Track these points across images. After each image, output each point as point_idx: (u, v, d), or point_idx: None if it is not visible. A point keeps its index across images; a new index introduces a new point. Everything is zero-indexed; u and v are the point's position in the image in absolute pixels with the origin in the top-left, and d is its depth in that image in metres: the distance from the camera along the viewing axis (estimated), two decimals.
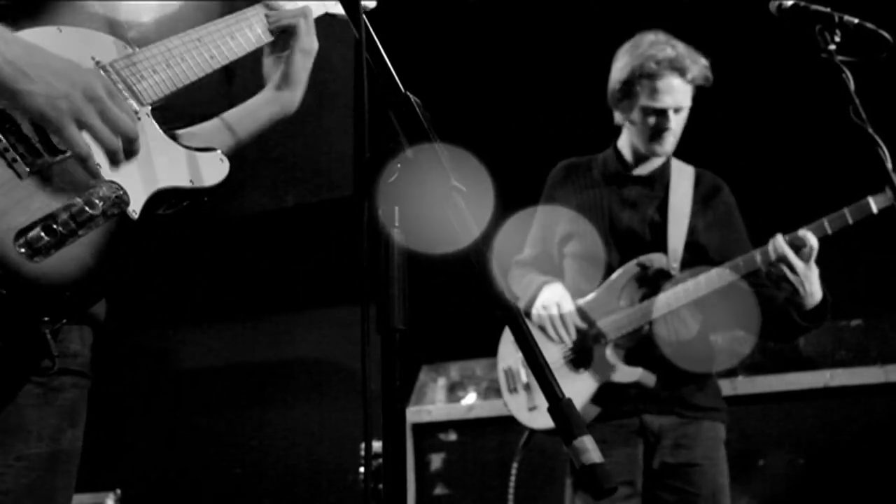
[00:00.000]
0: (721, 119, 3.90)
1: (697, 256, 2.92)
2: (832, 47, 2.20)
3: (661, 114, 2.88)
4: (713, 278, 2.80)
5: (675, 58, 2.84)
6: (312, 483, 4.91)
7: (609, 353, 2.88)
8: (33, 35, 1.47)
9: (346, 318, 4.87)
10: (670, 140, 2.92)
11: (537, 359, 1.19)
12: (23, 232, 1.38)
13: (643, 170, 3.02)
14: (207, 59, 1.71)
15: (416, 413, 4.24)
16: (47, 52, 1.41)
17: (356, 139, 5.09)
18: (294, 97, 1.83)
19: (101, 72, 1.55)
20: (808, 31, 2.24)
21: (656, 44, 2.89)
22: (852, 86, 2.18)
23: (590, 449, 1.13)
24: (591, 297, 2.94)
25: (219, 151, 1.69)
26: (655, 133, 2.90)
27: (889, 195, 2.59)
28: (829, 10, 2.23)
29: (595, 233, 2.97)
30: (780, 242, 2.70)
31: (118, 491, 3.97)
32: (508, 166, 3.54)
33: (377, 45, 1.35)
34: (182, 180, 1.61)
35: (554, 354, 2.94)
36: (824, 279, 2.80)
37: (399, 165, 1.28)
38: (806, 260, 2.69)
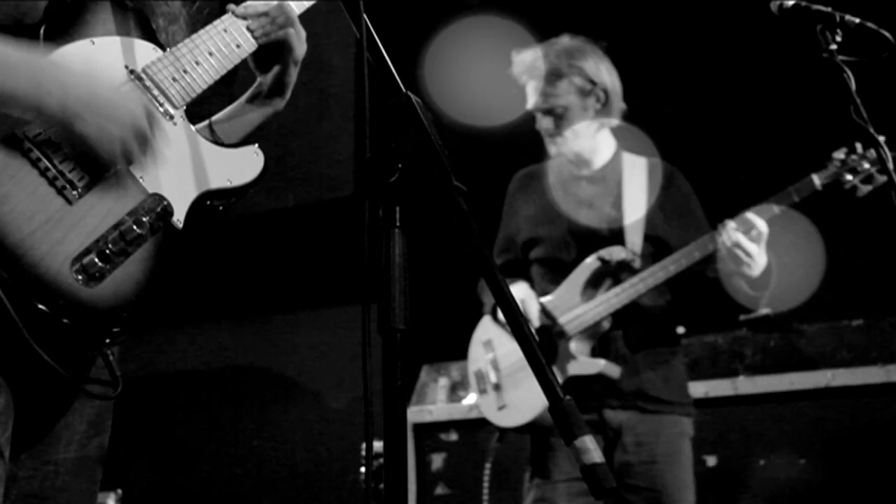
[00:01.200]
0: (674, 106, 3.94)
1: (658, 247, 2.95)
2: (833, 47, 2.20)
3: (539, 119, 3.02)
4: (668, 266, 2.83)
5: (526, 63, 3.01)
6: (313, 483, 4.91)
7: (573, 346, 2.90)
8: (69, 52, 1.50)
9: (346, 318, 4.88)
10: (558, 141, 3.01)
11: (538, 358, 1.19)
12: (77, 258, 1.40)
13: (591, 167, 3.07)
14: (234, 48, 1.71)
15: (417, 413, 4.23)
16: (94, 87, 1.45)
17: (357, 139, 5.09)
18: (284, 100, 1.83)
19: (137, 82, 1.57)
20: (809, 31, 2.23)
21: (532, 53, 3.03)
22: (853, 86, 2.17)
23: (591, 449, 1.13)
24: (553, 294, 2.98)
25: (255, 145, 1.70)
26: (547, 139, 3.04)
27: (832, 170, 2.71)
28: (830, 9, 2.23)
29: (555, 237, 3.02)
30: (731, 231, 2.74)
31: (119, 491, 3.97)
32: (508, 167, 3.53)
33: (378, 45, 1.34)
34: (221, 181, 1.63)
35: (518, 352, 2.95)
36: (826, 280, 2.81)
37: (400, 165, 1.28)
38: (756, 241, 2.73)
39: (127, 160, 1.46)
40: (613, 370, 2.87)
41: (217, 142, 1.70)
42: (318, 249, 4.96)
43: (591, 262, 2.93)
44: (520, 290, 2.96)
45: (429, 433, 4.15)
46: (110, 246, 1.43)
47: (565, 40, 3.04)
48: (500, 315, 2.97)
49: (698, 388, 3.77)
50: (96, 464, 1.63)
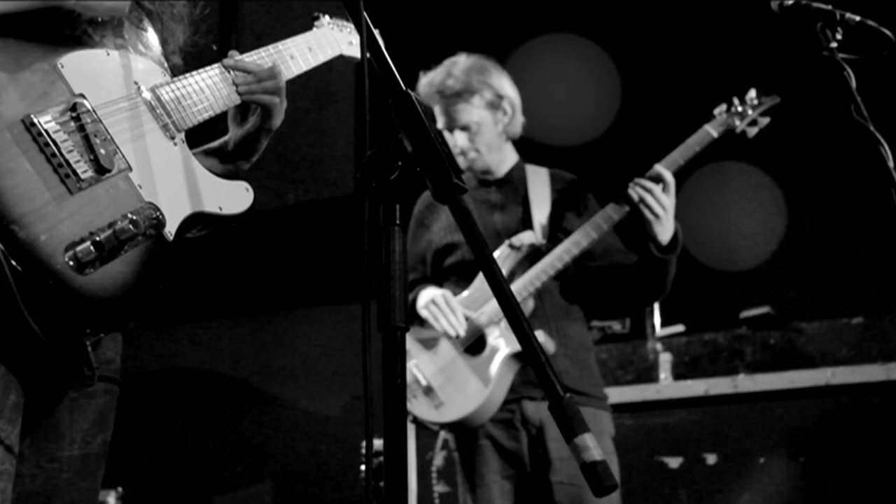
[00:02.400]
0: None
1: (563, 234, 2.99)
2: (833, 45, 2.20)
3: (449, 141, 3.09)
4: (580, 241, 2.87)
5: (443, 82, 3.07)
6: (314, 481, 4.91)
7: (501, 329, 2.91)
8: (84, 56, 1.58)
9: (347, 315, 4.88)
10: (471, 155, 3.09)
11: (538, 356, 1.19)
12: (72, 245, 1.44)
13: (494, 175, 3.16)
14: (224, 94, 1.77)
15: None
16: None
17: (357, 137, 5.09)
18: (248, 164, 1.88)
19: (143, 98, 1.64)
20: (810, 29, 2.23)
21: (428, 78, 3.13)
22: (853, 84, 2.17)
23: (590, 447, 1.13)
24: (469, 289, 3.01)
25: (245, 183, 1.77)
26: (459, 157, 3.11)
27: (720, 118, 2.89)
28: (830, 7, 2.23)
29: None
30: (639, 182, 2.82)
31: (119, 489, 3.98)
32: None
33: (378, 43, 1.35)
34: (212, 206, 1.69)
35: (448, 350, 2.97)
36: (826, 278, 2.82)
37: (400, 163, 1.29)
38: (667, 192, 2.82)
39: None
40: (549, 344, 2.88)
41: (214, 172, 1.75)
42: (319, 247, 4.96)
43: (503, 250, 2.97)
44: (434, 290, 3.00)
45: (429, 431, 4.15)
46: (105, 241, 1.47)
47: (465, 58, 3.12)
48: (420, 312, 2.97)
49: (698, 386, 3.78)
50: (99, 460, 1.66)
